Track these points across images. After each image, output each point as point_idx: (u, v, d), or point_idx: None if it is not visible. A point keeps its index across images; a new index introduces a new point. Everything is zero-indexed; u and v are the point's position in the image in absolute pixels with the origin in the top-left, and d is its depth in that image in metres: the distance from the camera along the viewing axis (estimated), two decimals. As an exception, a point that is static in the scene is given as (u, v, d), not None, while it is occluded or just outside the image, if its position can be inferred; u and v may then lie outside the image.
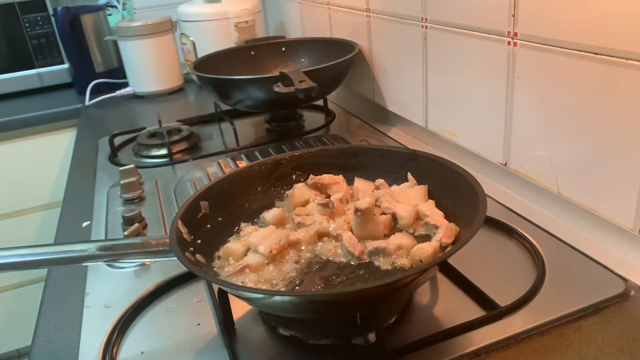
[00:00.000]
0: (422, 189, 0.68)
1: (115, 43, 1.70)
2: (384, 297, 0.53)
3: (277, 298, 0.52)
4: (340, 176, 0.72)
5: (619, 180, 0.63)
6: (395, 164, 0.72)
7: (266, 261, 0.59)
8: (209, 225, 0.65)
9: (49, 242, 0.71)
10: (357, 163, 0.75)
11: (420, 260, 0.57)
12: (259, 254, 0.60)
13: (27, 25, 1.72)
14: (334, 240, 0.63)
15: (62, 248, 0.59)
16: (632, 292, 0.60)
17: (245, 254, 0.61)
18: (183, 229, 0.60)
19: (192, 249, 0.59)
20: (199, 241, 0.61)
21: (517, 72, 0.75)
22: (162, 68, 1.65)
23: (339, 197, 0.67)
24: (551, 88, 0.70)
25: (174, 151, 1.16)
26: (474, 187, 0.59)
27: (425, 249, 0.57)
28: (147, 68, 1.64)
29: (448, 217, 0.63)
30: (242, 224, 0.68)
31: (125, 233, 0.81)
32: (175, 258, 0.54)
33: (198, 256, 0.59)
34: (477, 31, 0.81)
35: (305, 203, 0.69)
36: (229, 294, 0.59)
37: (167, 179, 1.03)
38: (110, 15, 1.84)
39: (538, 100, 0.73)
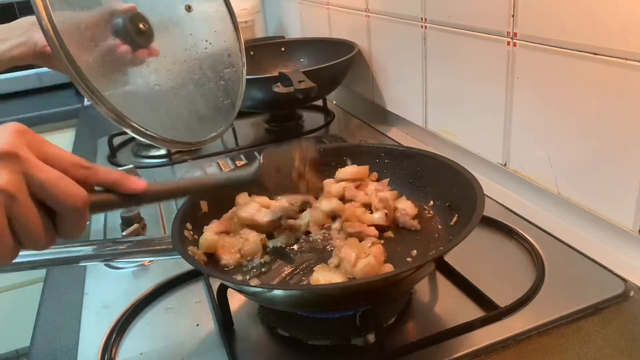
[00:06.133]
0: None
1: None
2: (382, 293, 0.53)
3: (277, 292, 0.52)
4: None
5: (618, 180, 0.63)
6: (393, 162, 0.73)
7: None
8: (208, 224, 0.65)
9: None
10: (354, 161, 0.75)
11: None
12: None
13: (26, 25, 1.72)
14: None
15: (61, 248, 0.59)
16: (632, 293, 0.60)
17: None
18: (186, 228, 0.60)
19: (194, 247, 0.60)
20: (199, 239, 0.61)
21: (516, 72, 0.75)
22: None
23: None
24: (551, 88, 0.70)
25: (173, 151, 1.16)
26: (472, 183, 0.59)
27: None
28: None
29: (446, 214, 0.63)
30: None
31: (124, 234, 0.81)
32: (174, 257, 0.54)
33: (199, 253, 0.60)
34: (476, 31, 0.81)
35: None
36: (227, 294, 0.59)
37: (166, 180, 1.03)
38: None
39: (538, 100, 0.73)
